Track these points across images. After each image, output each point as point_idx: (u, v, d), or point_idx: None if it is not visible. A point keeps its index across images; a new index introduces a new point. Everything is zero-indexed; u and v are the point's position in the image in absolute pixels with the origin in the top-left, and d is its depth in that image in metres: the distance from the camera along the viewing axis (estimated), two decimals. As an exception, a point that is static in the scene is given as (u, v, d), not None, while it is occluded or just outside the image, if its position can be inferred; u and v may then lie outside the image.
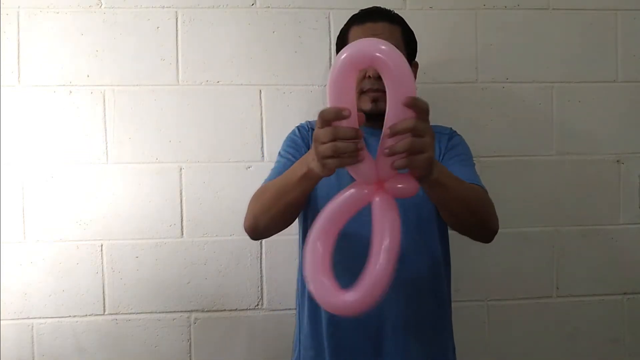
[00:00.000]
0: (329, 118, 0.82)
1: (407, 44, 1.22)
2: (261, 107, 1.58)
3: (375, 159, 0.88)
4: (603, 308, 1.66)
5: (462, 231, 1.10)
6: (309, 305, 1.19)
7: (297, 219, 1.24)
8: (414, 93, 0.81)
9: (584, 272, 1.65)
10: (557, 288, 1.65)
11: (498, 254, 1.63)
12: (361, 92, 1.16)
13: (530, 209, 1.63)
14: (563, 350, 1.65)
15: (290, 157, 1.19)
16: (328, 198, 1.09)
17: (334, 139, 0.82)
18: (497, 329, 1.63)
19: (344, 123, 0.82)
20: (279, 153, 1.25)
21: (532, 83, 1.63)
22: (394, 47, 0.82)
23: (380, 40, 0.84)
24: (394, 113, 0.82)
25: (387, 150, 0.82)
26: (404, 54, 1.13)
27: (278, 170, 1.16)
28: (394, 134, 0.81)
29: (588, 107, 1.64)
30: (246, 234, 1.17)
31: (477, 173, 1.19)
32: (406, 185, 0.89)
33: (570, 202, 1.64)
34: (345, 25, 1.25)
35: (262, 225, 1.11)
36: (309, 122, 1.30)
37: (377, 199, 0.90)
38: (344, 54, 0.83)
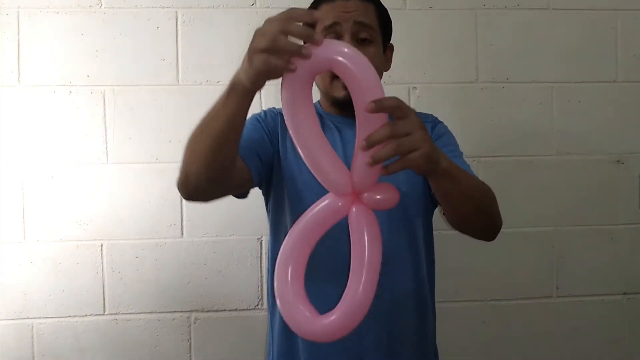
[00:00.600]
0: (295, 17, 0.68)
1: (383, 23, 1.08)
2: (261, 107, 1.57)
3: (350, 165, 0.79)
4: (603, 308, 1.66)
5: (466, 229, 0.99)
6: (280, 321, 1.07)
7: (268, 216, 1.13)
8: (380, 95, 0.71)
9: (584, 272, 1.65)
10: (557, 288, 1.65)
11: (498, 254, 1.63)
12: (333, 77, 1.04)
13: (530, 209, 1.63)
14: (563, 350, 1.65)
15: (248, 130, 1.03)
16: (311, 193, 0.97)
17: (281, 32, 0.67)
18: (497, 329, 1.63)
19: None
20: None
21: (532, 83, 1.63)
22: (357, 51, 0.72)
23: (342, 42, 0.74)
24: (365, 123, 0.72)
25: (370, 160, 0.71)
26: (379, 33, 1.05)
27: None
28: (370, 145, 0.70)
29: (588, 107, 1.64)
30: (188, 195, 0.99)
31: (467, 163, 1.10)
32: (385, 196, 0.80)
33: (570, 202, 1.64)
34: (313, 2, 1.09)
35: (192, 173, 0.89)
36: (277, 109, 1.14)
37: (354, 209, 0.81)
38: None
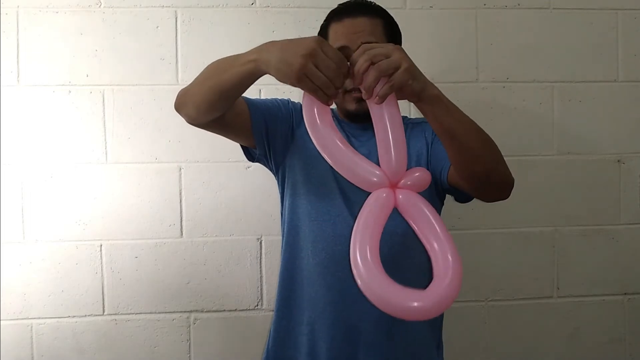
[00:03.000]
0: (340, 62, 0.82)
1: (390, 36, 1.14)
2: (261, 106, 1.57)
3: (369, 158, 0.87)
4: (604, 308, 1.66)
5: (475, 175, 0.95)
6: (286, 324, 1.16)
7: (281, 212, 1.21)
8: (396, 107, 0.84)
9: (585, 272, 1.65)
10: (558, 288, 1.65)
11: (498, 254, 1.62)
12: (345, 92, 1.11)
13: (530, 209, 1.63)
14: (563, 350, 1.65)
15: (269, 100, 1.16)
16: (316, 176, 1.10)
17: (330, 78, 0.81)
18: (497, 329, 1.63)
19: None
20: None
21: (533, 83, 1.63)
22: None
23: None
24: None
25: (364, 93, 0.82)
26: None
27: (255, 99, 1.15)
28: (358, 76, 0.81)
29: (589, 107, 1.64)
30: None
31: None
32: (417, 177, 0.86)
33: (571, 202, 1.64)
34: (324, 21, 1.17)
35: (190, 94, 1.03)
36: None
37: (400, 196, 0.86)
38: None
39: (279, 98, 1.20)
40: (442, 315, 1.20)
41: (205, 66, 1.01)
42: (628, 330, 1.67)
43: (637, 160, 1.65)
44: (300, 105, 1.20)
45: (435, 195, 1.14)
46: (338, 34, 1.10)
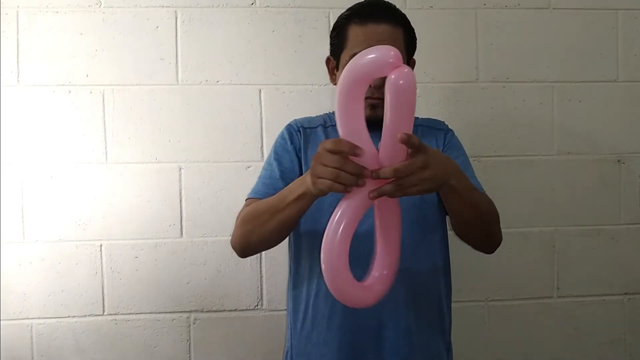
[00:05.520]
0: (343, 150, 0.84)
1: (408, 44, 1.13)
2: (261, 107, 1.57)
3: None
4: (604, 308, 1.66)
5: (469, 239, 1.12)
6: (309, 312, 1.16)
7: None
8: (411, 124, 0.83)
9: (585, 272, 1.65)
10: (558, 288, 1.65)
11: (498, 254, 1.60)
12: None
13: (530, 209, 1.63)
14: (563, 350, 1.65)
15: (277, 165, 1.16)
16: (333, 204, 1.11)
17: (338, 168, 0.84)
18: (497, 329, 1.63)
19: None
20: (268, 160, 1.20)
21: (533, 83, 1.63)
22: (411, 71, 0.81)
23: (396, 53, 0.81)
24: (388, 144, 0.84)
25: (374, 193, 0.85)
26: (404, 56, 1.09)
27: (264, 181, 1.15)
28: (377, 177, 0.84)
29: (589, 107, 1.64)
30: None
31: (476, 177, 1.16)
32: None
33: (571, 202, 1.64)
34: (344, 18, 1.13)
35: (253, 245, 1.11)
36: (297, 121, 1.23)
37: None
38: (358, 66, 0.83)
39: (276, 150, 1.20)
40: (450, 321, 1.21)
41: (245, 217, 1.09)
42: (628, 330, 1.67)
43: (637, 160, 1.65)
44: (291, 132, 1.21)
45: (439, 201, 1.13)
46: (359, 39, 1.07)
